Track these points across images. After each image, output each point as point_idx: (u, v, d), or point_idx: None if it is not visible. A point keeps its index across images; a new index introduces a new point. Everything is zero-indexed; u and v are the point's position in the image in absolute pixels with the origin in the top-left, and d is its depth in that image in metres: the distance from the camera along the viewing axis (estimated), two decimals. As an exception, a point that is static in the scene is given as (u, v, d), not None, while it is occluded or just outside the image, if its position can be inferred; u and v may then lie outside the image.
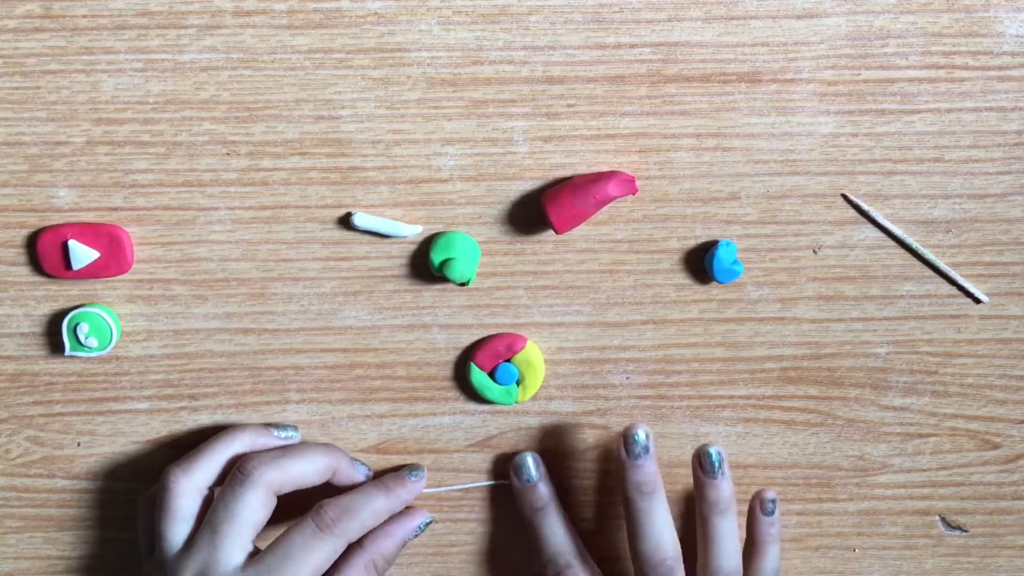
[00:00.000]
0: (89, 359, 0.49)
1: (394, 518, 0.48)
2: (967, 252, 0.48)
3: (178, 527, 0.45)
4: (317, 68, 0.46)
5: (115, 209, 0.47)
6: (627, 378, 0.49)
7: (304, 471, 0.46)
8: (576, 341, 0.49)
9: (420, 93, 0.46)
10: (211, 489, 0.46)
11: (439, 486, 0.50)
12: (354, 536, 0.45)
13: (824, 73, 0.46)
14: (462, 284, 0.47)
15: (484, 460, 0.50)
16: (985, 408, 0.50)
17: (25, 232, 0.47)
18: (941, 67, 0.46)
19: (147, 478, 0.50)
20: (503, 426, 0.50)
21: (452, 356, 0.49)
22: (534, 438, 0.50)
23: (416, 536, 0.48)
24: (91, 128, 0.46)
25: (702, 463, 0.46)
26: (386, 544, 0.47)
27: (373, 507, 0.46)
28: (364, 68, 0.46)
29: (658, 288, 0.48)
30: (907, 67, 0.46)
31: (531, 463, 0.48)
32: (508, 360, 0.48)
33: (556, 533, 0.48)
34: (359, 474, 0.48)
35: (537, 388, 0.49)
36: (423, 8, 0.45)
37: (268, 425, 0.48)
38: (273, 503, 0.45)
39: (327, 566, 0.44)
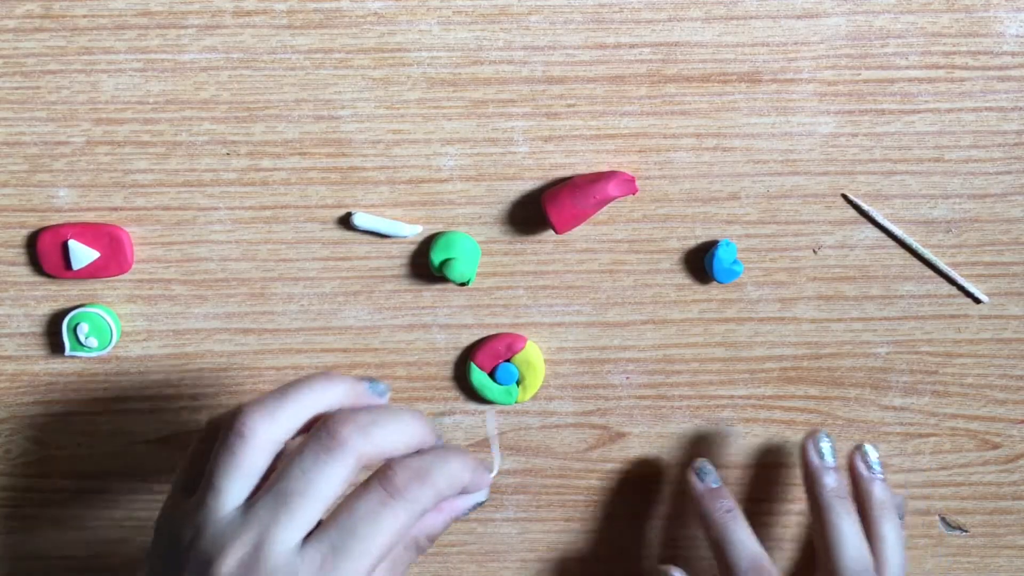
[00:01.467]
0: (89, 359, 0.49)
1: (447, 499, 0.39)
2: (967, 252, 0.48)
3: (241, 483, 0.36)
4: (317, 68, 0.46)
5: (115, 209, 0.47)
6: (627, 378, 0.49)
7: (396, 443, 0.37)
8: (576, 341, 0.49)
9: (420, 93, 0.46)
10: (286, 443, 0.38)
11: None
12: (429, 507, 0.37)
13: (824, 73, 0.46)
14: (462, 284, 0.47)
15: (484, 460, 0.50)
16: (985, 408, 0.50)
17: (25, 232, 0.47)
18: (941, 67, 0.46)
19: (147, 478, 0.50)
20: (503, 426, 0.50)
21: (452, 356, 0.49)
22: (534, 438, 0.50)
23: (467, 515, 0.41)
24: (91, 128, 0.46)
25: (867, 462, 0.47)
26: (435, 521, 0.40)
27: (449, 472, 0.37)
28: (364, 68, 0.46)
29: (658, 288, 0.48)
30: (907, 67, 0.46)
31: (712, 468, 0.48)
32: (508, 360, 0.48)
33: (750, 535, 0.46)
34: (486, 477, 0.40)
35: (537, 388, 0.49)
36: (423, 8, 0.45)
37: (361, 378, 0.40)
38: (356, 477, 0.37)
39: (400, 538, 0.36)
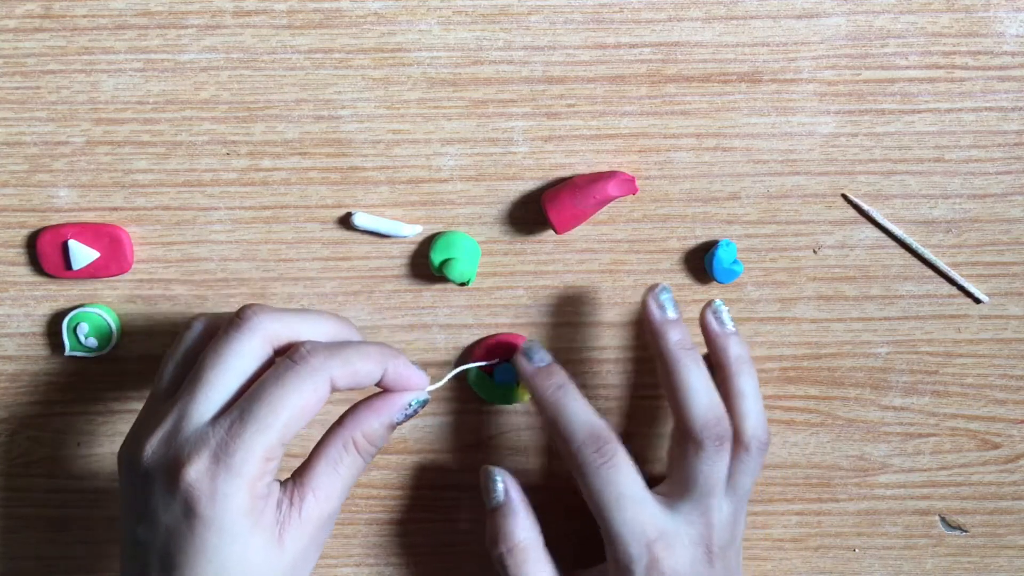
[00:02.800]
0: (89, 359, 0.49)
1: (382, 394, 0.41)
2: (967, 252, 0.48)
3: (227, 378, 0.38)
4: (317, 68, 0.46)
5: (115, 209, 0.47)
6: (627, 378, 0.49)
7: (311, 331, 0.40)
8: (576, 341, 0.49)
9: (420, 93, 0.46)
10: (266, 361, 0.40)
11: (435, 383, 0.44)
12: (338, 375, 0.38)
13: (824, 73, 0.46)
14: (462, 284, 0.47)
15: (484, 460, 0.50)
16: (985, 408, 0.50)
17: (25, 232, 0.47)
18: (941, 67, 0.46)
19: (147, 478, 0.50)
20: (503, 426, 0.50)
21: (452, 356, 0.49)
22: (534, 438, 0.50)
23: (407, 418, 0.41)
24: (91, 128, 0.46)
25: (719, 318, 0.45)
26: (369, 420, 0.40)
27: (363, 352, 0.39)
28: (364, 68, 0.46)
29: (658, 288, 0.48)
30: (907, 67, 0.46)
31: (540, 346, 0.45)
32: (508, 360, 0.48)
33: (586, 408, 0.43)
34: (417, 374, 0.41)
35: (537, 388, 0.49)
36: (423, 8, 0.45)
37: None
38: (266, 355, 0.39)
39: (311, 409, 0.38)
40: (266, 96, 0.46)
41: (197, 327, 0.42)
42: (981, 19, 0.45)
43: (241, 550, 0.37)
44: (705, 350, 0.46)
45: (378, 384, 0.41)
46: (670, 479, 0.45)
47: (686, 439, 0.43)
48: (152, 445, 0.38)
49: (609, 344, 0.49)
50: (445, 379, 0.45)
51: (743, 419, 0.44)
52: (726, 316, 0.45)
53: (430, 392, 0.42)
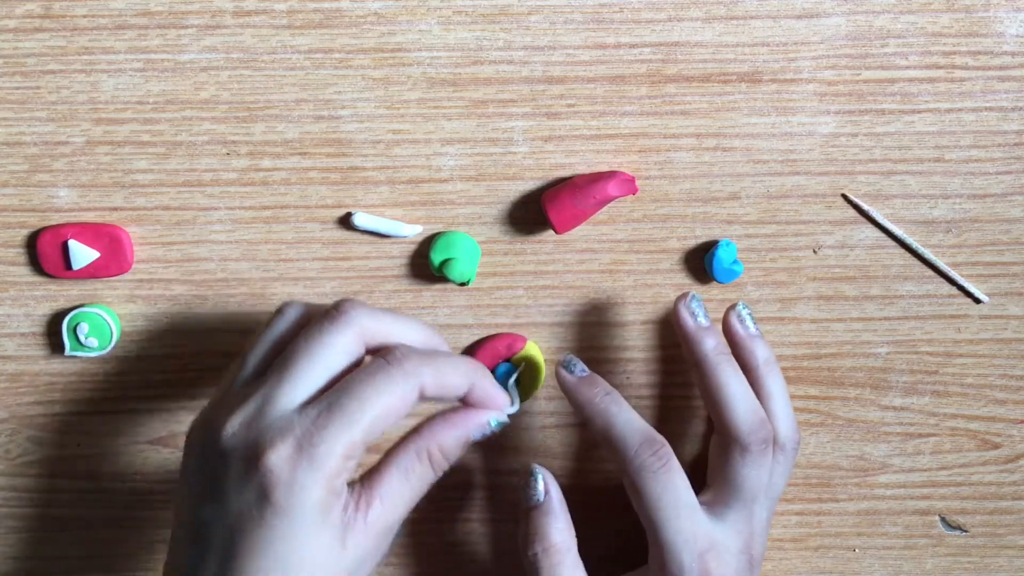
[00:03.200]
0: (89, 359, 0.49)
1: (462, 409, 0.40)
2: (967, 252, 0.48)
3: (317, 369, 0.38)
4: (317, 68, 0.46)
5: (115, 209, 0.47)
6: (627, 378, 0.49)
7: (404, 335, 0.40)
8: (576, 341, 0.49)
9: (420, 93, 0.46)
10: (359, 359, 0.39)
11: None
12: (428, 383, 0.38)
13: (824, 73, 0.46)
14: (462, 284, 0.47)
15: (484, 460, 0.50)
16: (985, 408, 0.50)
17: (25, 232, 0.47)
18: (941, 67, 0.46)
19: (147, 478, 0.50)
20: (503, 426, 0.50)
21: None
22: (534, 438, 0.50)
23: (484, 437, 0.40)
24: (91, 128, 0.46)
25: (743, 322, 0.46)
26: (445, 432, 0.39)
27: (454, 364, 0.39)
28: (364, 68, 0.46)
29: (658, 288, 0.48)
30: (907, 67, 0.46)
31: (577, 358, 0.45)
32: (508, 360, 0.48)
33: (636, 415, 0.43)
34: (501, 394, 0.40)
35: (537, 388, 0.49)
36: (423, 8, 0.45)
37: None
38: (358, 352, 0.39)
39: (398, 413, 0.37)
40: (266, 96, 0.46)
41: (290, 314, 0.41)
42: (981, 19, 0.45)
43: (307, 545, 0.36)
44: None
45: (461, 399, 0.40)
46: (713, 486, 0.45)
47: (731, 444, 0.43)
48: (233, 426, 0.37)
49: (609, 344, 0.49)
50: (517, 401, 0.44)
51: (777, 421, 0.45)
52: (750, 319, 0.46)
53: (509, 416, 0.41)
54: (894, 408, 0.50)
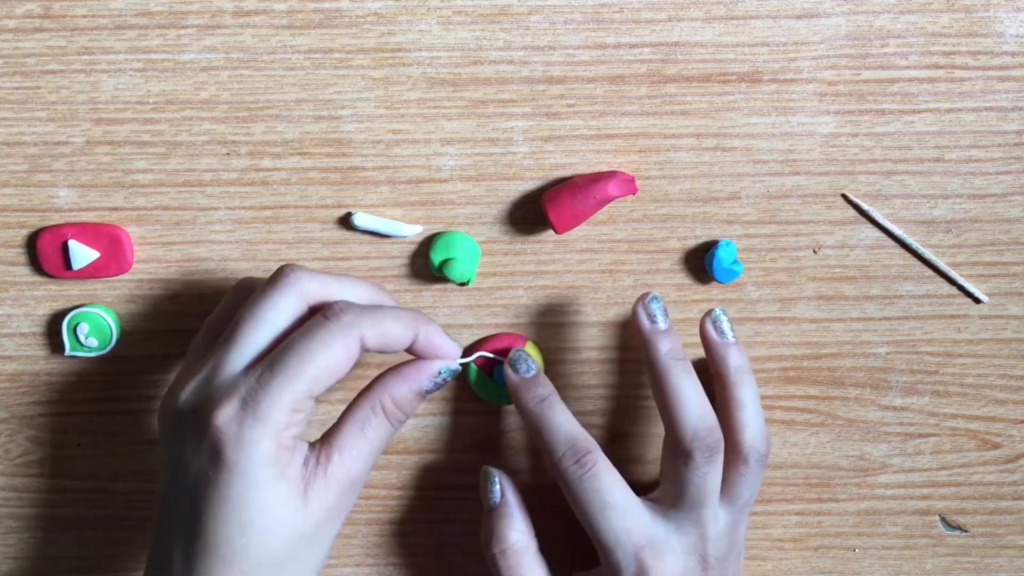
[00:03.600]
0: (89, 359, 0.49)
1: (413, 361, 0.42)
2: (967, 252, 0.48)
3: (261, 332, 0.39)
4: (317, 68, 0.46)
5: (115, 209, 0.47)
6: (627, 378, 0.49)
7: (347, 293, 0.41)
8: (576, 341, 0.49)
9: (420, 93, 0.46)
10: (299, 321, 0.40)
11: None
12: (368, 335, 0.39)
13: (824, 73, 0.46)
14: (462, 284, 0.47)
15: (484, 460, 0.50)
16: (985, 408, 0.50)
17: (25, 232, 0.47)
18: (941, 67, 0.46)
19: (147, 478, 0.50)
20: (503, 426, 0.50)
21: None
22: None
23: (437, 388, 0.42)
24: (91, 128, 0.46)
25: (719, 328, 0.45)
26: (397, 384, 0.40)
27: (395, 315, 0.40)
28: (364, 68, 0.46)
29: (658, 288, 0.48)
30: (907, 67, 0.46)
31: (528, 356, 0.45)
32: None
33: (568, 420, 0.44)
34: (448, 343, 0.41)
35: (537, 388, 0.49)
36: (423, 8, 0.45)
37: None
38: (301, 311, 0.40)
39: (341, 365, 0.38)
40: (266, 96, 0.46)
41: (234, 294, 0.43)
42: (981, 19, 0.45)
43: (263, 499, 0.37)
44: (695, 358, 0.46)
45: (409, 351, 0.41)
46: (662, 487, 0.45)
47: (676, 449, 0.43)
48: (186, 392, 0.39)
49: (609, 344, 0.49)
50: (472, 357, 0.45)
51: (742, 430, 0.44)
52: (726, 325, 0.45)
53: (461, 364, 0.42)
54: (894, 408, 0.50)
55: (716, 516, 0.43)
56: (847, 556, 0.52)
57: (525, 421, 0.44)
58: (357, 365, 0.43)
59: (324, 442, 0.40)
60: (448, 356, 0.41)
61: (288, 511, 0.38)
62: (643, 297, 0.45)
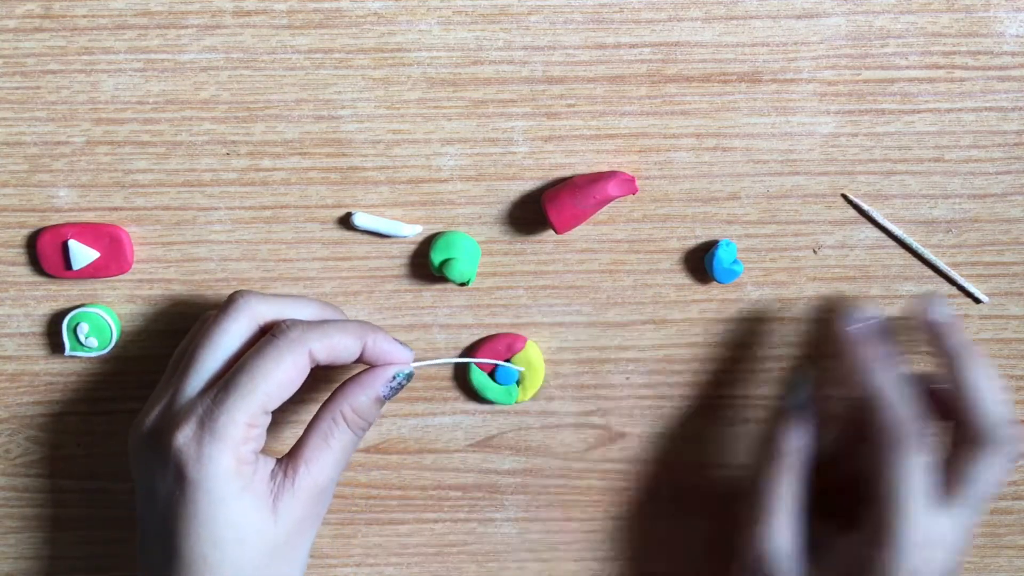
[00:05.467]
0: (89, 359, 0.49)
1: (369, 369, 0.43)
2: (967, 252, 0.48)
3: (215, 356, 0.41)
4: (317, 68, 0.46)
5: (115, 209, 0.47)
6: (627, 378, 0.49)
7: (296, 311, 0.42)
8: (576, 341, 0.49)
9: (420, 93, 0.46)
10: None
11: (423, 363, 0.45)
12: (316, 348, 0.40)
13: (824, 73, 0.46)
14: (462, 284, 0.47)
15: (484, 460, 0.50)
16: (985, 408, 0.50)
17: (25, 232, 0.47)
18: (941, 67, 0.46)
19: (147, 478, 0.50)
20: (503, 426, 0.50)
21: (452, 356, 0.49)
22: (534, 438, 0.50)
23: (394, 392, 0.43)
24: (91, 128, 0.46)
25: (937, 313, 0.45)
26: (354, 393, 0.42)
27: (342, 327, 0.41)
28: (364, 68, 0.46)
29: (658, 288, 0.48)
30: (907, 67, 0.46)
31: (864, 311, 0.46)
32: (508, 360, 0.48)
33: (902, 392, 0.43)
34: (399, 348, 0.43)
35: (537, 388, 0.49)
36: (423, 8, 0.45)
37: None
38: (252, 334, 0.42)
39: (292, 380, 0.40)
40: (266, 96, 0.46)
41: (197, 326, 0.45)
42: (981, 19, 0.45)
43: (231, 513, 0.39)
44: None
45: (361, 360, 0.42)
46: (948, 478, 0.43)
47: (974, 439, 0.42)
48: (150, 419, 0.41)
49: (609, 344, 0.49)
50: (435, 361, 0.46)
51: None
52: (945, 311, 0.45)
53: (416, 368, 0.43)
54: (894, 408, 0.50)
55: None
56: (847, 556, 0.52)
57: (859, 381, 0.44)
58: (323, 379, 0.45)
59: (290, 456, 0.41)
60: (400, 360, 0.43)
61: (258, 523, 0.40)
62: (926, 297, 0.45)
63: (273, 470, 0.41)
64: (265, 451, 0.41)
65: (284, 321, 0.41)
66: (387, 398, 0.43)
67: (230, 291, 0.48)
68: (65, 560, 0.51)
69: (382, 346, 0.42)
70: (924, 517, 0.41)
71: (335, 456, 0.41)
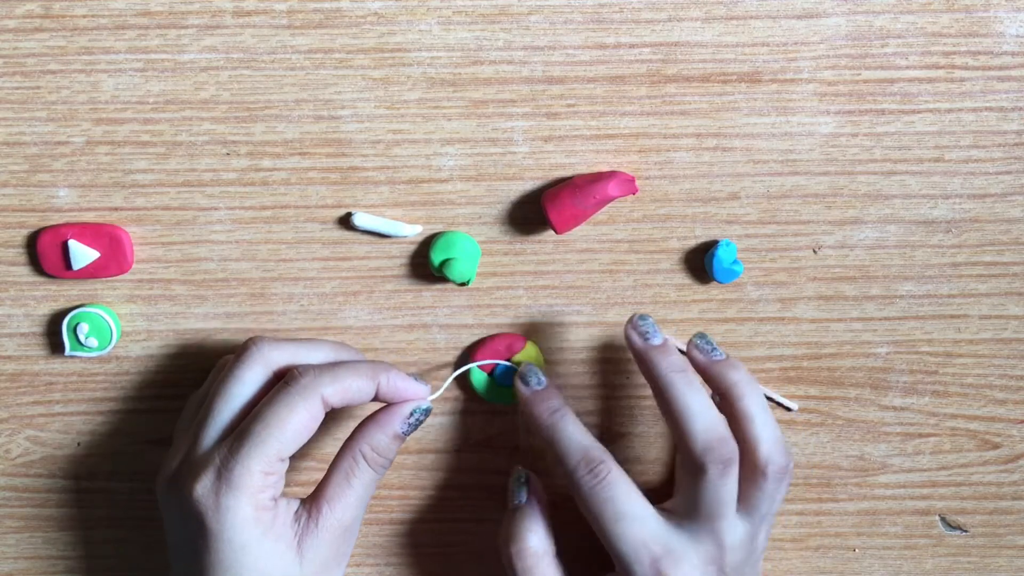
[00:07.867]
0: (89, 359, 0.49)
1: (386, 407, 0.43)
2: (967, 252, 0.48)
3: (231, 405, 0.42)
4: (317, 68, 0.46)
5: (115, 209, 0.47)
6: (627, 378, 0.49)
7: (311, 357, 0.43)
8: (576, 341, 0.49)
9: (420, 93, 0.46)
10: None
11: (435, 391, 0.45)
12: (329, 393, 0.41)
13: (824, 73, 0.46)
14: (462, 284, 0.47)
15: (484, 460, 0.50)
16: (985, 408, 0.50)
17: (25, 232, 0.47)
18: (941, 67, 0.46)
19: (147, 478, 0.50)
20: (503, 426, 0.50)
21: (452, 356, 0.49)
22: (534, 438, 0.50)
23: (412, 428, 0.43)
24: (91, 128, 0.46)
25: (704, 349, 0.45)
26: (373, 432, 0.42)
27: (354, 369, 0.42)
28: (364, 68, 0.46)
29: (658, 288, 0.48)
30: (907, 67, 0.46)
31: (538, 369, 0.46)
32: (508, 360, 0.48)
33: (579, 431, 0.44)
34: (414, 384, 0.43)
35: (537, 388, 0.49)
36: (423, 8, 0.45)
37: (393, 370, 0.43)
38: (267, 381, 0.42)
39: (306, 426, 0.40)
40: (266, 96, 0.46)
41: (214, 373, 0.46)
42: (981, 19, 0.45)
43: (256, 559, 0.40)
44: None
45: (377, 399, 0.43)
46: (677, 497, 0.44)
47: (689, 463, 0.43)
48: (170, 469, 0.42)
49: (609, 344, 0.49)
50: (444, 386, 0.46)
51: (756, 443, 0.43)
52: (711, 344, 0.45)
53: (432, 400, 0.44)
54: (894, 408, 0.50)
55: (734, 526, 0.43)
56: (847, 556, 0.52)
57: (537, 433, 0.45)
58: (346, 416, 0.46)
59: (313, 497, 0.42)
60: (415, 396, 0.43)
61: (283, 566, 0.40)
62: (631, 319, 0.45)
63: (297, 512, 0.41)
64: (289, 490, 0.41)
65: (296, 368, 0.42)
66: (406, 434, 0.43)
67: (230, 291, 0.48)
68: (65, 560, 0.51)
69: (396, 384, 0.43)
70: (636, 532, 0.42)
71: (357, 495, 0.42)
